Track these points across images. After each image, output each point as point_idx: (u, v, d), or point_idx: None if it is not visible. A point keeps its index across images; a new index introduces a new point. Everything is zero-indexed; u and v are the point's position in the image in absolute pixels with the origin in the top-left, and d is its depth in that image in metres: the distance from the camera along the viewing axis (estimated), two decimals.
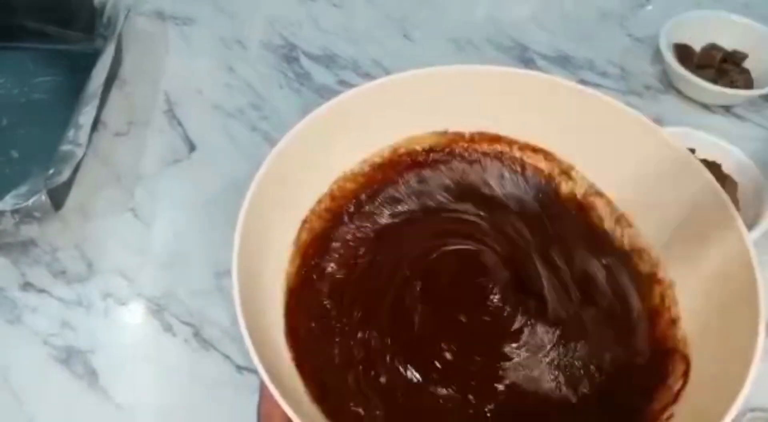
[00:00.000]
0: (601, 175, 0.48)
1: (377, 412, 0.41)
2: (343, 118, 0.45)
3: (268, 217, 0.42)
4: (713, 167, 0.56)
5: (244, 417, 0.45)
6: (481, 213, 0.49)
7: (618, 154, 0.46)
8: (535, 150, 0.49)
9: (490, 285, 0.44)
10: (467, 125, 0.49)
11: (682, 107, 0.65)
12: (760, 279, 0.38)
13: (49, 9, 0.63)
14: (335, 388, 0.41)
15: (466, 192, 0.50)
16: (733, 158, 0.56)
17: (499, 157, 0.50)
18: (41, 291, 0.51)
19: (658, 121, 0.63)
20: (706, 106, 0.65)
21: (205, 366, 0.48)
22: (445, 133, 0.49)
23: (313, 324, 0.43)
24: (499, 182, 0.50)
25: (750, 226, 0.51)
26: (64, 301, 0.51)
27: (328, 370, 0.42)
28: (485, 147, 0.50)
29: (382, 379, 0.42)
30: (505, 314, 0.43)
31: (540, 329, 0.43)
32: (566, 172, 0.49)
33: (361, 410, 0.41)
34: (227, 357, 0.48)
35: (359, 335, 0.43)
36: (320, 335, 0.43)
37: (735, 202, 0.54)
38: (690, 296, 0.42)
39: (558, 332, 0.43)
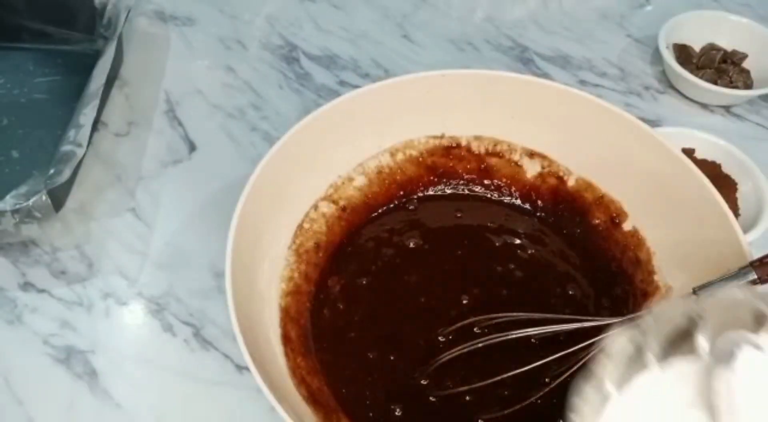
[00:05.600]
0: (596, 179, 0.48)
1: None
2: (339, 121, 0.46)
3: (263, 221, 0.42)
4: (713, 167, 0.56)
5: (244, 417, 0.45)
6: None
7: (616, 158, 0.46)
8: (532, 154, 0.49)
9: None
10: (464, 129, 0.49)
11: (681, 107, 0.65)
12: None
13: (50, 9, 0.63)
14: (330, 389, 0.41)
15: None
16: (733, 158, 0.56)
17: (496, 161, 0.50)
18: (41, 291, 0.51)
19: (658, 121, 0.63)
20: (705, 106, 0.65)
21: (205, 366, 0.48)
22: (441, 137, 0.49)
23: (309, 327, 0.43)
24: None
25: (749, 226, 0.51)
26: (64, 301, 0.51)
27: (323, 372, 0.42)
28: (482, 151, 0.50)
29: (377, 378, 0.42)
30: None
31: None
32: (563, 176, 0.49)
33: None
34: (227, 357, 0.48)
35: (353, 336, 0.43)
36: (315, 338, 0.43)
37: (734, 202, 0.54)
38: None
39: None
